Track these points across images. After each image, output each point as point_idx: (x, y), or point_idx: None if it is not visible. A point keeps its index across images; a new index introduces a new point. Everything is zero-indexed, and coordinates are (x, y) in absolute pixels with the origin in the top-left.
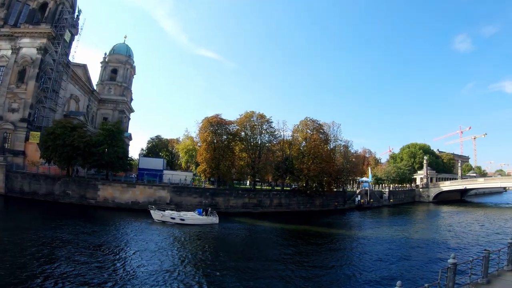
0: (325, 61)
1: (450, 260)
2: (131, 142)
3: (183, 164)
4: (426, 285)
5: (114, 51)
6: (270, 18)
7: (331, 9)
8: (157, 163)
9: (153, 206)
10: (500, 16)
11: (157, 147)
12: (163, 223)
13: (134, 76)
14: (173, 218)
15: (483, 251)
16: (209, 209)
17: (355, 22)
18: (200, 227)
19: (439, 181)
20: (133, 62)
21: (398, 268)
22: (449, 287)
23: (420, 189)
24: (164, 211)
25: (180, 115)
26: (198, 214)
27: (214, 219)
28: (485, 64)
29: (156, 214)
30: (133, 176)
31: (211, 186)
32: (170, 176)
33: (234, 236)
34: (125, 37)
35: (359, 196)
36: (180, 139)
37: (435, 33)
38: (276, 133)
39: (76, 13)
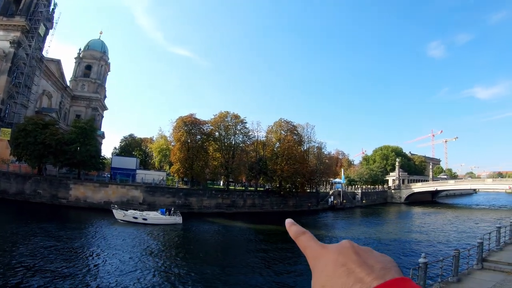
0: (302, 63)
1: (421, 260)
2: (104, 141)
3: (156, 164)
4: None
5: (88, 47)
6: (247, 19)
7: (309, 13)
8: (130, 162)
9: (115, 206)
10: (474, 25)
11: (130, 146)
12: (126, 222)
13: (109, 73)
14: (135, 218)
15: (453, 251)
16: (172, 209)
17: (332, 27)
18: (163, 227)
19: (411, 182)
20: (108, 59)
21: None
22: (420, 285)
23: (392, 191)
24: (126, 210)
25: (154, 114)
26: (161, 214)
27: (177, 219)
28: (458, 71)
29: (118, 214)
30: (105, 175)
31: (185, 186)
32: (143, 175)
33: (198, 236)
34: (100, 33)
35: (332, 197)
36: (154, 138)
37: (410, 40)
38: (250, 133)
39: (52, 6)
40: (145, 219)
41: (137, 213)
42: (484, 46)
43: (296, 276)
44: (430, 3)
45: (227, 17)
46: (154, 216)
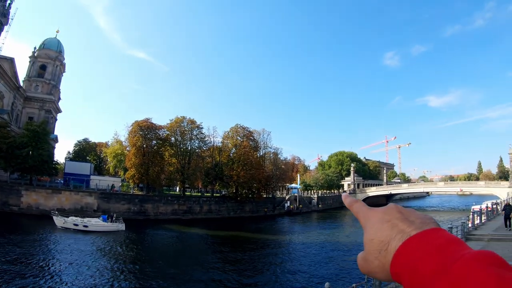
0: (260, 71)
1: None
2: (57, 145)
3: (111, 169)
4: (353, 285)
5: (44, 45)
6: (205, 24)
7: (270, 19)
8: (84, 167)
9: (56, 212)
10: (429, 38)
11: (84, 150)
12: (66, 230)
13: (64, 74)
14: (76, 225)
15: None
16: (114, 215)
17: (292, 34)
18: (105, 235)
19: (366, 187)
20: (64, 59)
21: (328, 270)
22: (376, 285)
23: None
24: (67, 217)
25: (110, 118)
26: (103, 221)
27: (120, 226)
28: (412, 80)
29: (58, 221)
30: (58, 181)
31: (140, 193)
32: (98, 181)
33: (145, 243)
34: (57, 32)
35: (288, 202)
36: (109, 143)
37: (367, 49)
38: (206, 139)
39: (8, 1)
40: (86, 226)
41: (78, 220)
42: (438, 57)
43: (252, 280)
44: (387, 15)
45: (187, 21)
46: (95, 223)
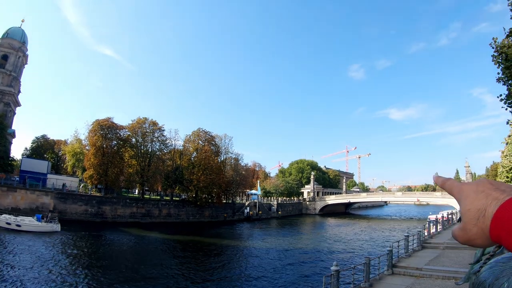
0: (225, 76)
1: (333, 268)
2: (14, 140)
3: (69, 169)
4: None
5: (7, 34)
6: (177, 25)
7: (237, 26)
8: (41, 165)
9: None
10: (394, 53)
11: (42, 148)
12: None
13: (26, 66)
14: (8, 224)
15: (365, 258)
16: (49, 215)
17: (259, 40)
18: (38, 235)
19: (325, 195)
20: (27, 50)
21: (286, 277)
22: (333, 284)
23: (307, 202)
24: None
25: (71, 115)
26: (37, 220)
27: (55, 227)
28: (375, 92)
29: None
30: (14, 179)
31: (98, 194)
32: (55, 181)
33: (99, 248)
34: (22, 21)
35: (248, 208)
36: (68, 141)
37: (333, 60)
38: (167, 141)
39: None
40: (18, 226)
41: (11, 218)
42: (402, 72)
43: (212, 286)
44: (355, 29)
45: (159, 22)
46: (29, 223)
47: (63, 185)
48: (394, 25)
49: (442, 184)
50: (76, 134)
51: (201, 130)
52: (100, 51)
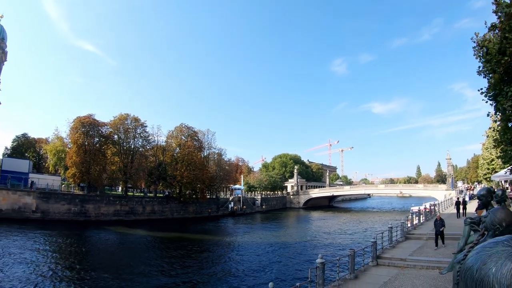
0: (209, 71)
1: (318, 260)
2: None
3: (51, 167)
4: (297, 284)
5: None
6: (160, 21)
7: (218, 21)
8: (22, 165)
9: None
10: (377, 48)
11: (23, 146)
12: None
13: (5, 63)
14: None
15: (349, 250)
16: None
17: (243, 33)
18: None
19: (309, 188)
20: (6, 47)
21: (273, 270)
22: (319, 284)
23: (291, 196)
24: None
25: (52, 112)
26: None
27: None
28: (358, 87)
29: None
30: None
31: (81, 192)
32: (37, 180)
33: (82, 247)
34: (1, 17)
35: (232, 203)
36: (49, 139)
37: (316, 55)
38: (150, 138)
39: None
40: None
41: None
42: (384, 67)
43: (198, 281)
44: (338, 23)
45: (141, 16)
46: None
47: (32, 182)
48: (377, 20)
49: None
50: (57, 132)
51: (183, 125)
52: (81, 46)
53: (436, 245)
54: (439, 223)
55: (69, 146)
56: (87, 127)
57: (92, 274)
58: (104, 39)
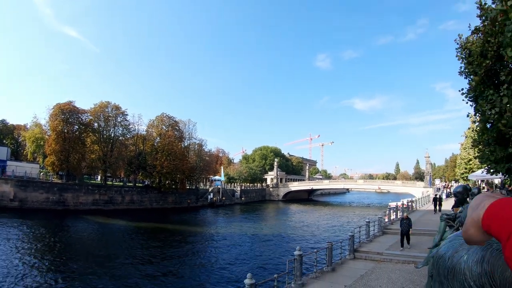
0: (194, 63)
1: (296, 252)
2: None
3: (29, 155)
4: (275, 275)
5: None
6: (144, 8)
7: (202, 14)
8: (0, 152)
9: None
10: (361, 45)
11: (1, 133)
12: None
13: None
14: None
15: (327, 243)
16: None
17: (226, 32)
18: None
19: (288, 181)
20: None
21: (251, 262)
22: (296, 275)
23: (271, 189)
24: None
25: (33, 99)
26: None
27: None
28: (341, 82)
29: None
30: None
31: (60, 181)
32: (15, 168)
33: (60, 237)
34: None
35: (211, 194)
36: (28, 126)
37: (301, 49)
38: (130, 126)
39: None
40: None
41: None
42: (367, 64)
43: (177, 272)
44: (325, 19)
45: (126, 3)
46: None
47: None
48: (363, 17)
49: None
50: (36, 119)
51: (164, 115)
52: (65, 32)
53: (402, 245)
54: (406, 222)
55: (48, 134)
56: (66, 114)
57: (70, 265)
58: (88, 25)
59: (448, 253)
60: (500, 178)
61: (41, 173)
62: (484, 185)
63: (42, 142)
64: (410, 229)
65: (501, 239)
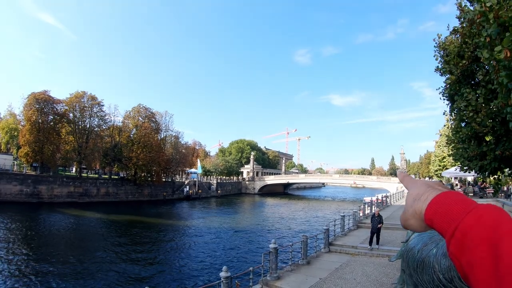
0: (173, 56)
1: (271, 245)
2: None
3: (3, 146)
4: (251, 268)
5: None
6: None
7: (187, 8)
8: None
9: None
10: (342, 42)
11: None
12: None
13: None
14: None
15: (302, 236)
16: None
17: (206, 26)
18: None
19: (265, 175)
20: None
21: (226, 255)
22: (272, 268)
23: (247, 182)
24: None
25: (8, 87)
26: None
27: None
28: (320, 78)
29: None
30: None
31: (34, 173)
32: None
33: (33, 231)
34: None
35: (187, 186)
36: (2, 116)
37: (280, 45)
38: (106, 117)
39: None
40: None
41: None
42: (346, 61)
43: (152, 266)
44: (306, 15)
45: None
46: None
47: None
48: (344, 14)
49: (401, 179)
50: (10, 109)
51: (141, 106)
52: (43, 19)
53: (370, 243)
54: (377, 219)
55: (22, 124)
56: (41, 104)
57: (45, 259)
58: (66, 11)
59: (417, 246)
60: (472, 175)
61: (15, 165)
62: (457, 182)
63: (16, 133)
64: (381, 225)
65: (444, 235)
